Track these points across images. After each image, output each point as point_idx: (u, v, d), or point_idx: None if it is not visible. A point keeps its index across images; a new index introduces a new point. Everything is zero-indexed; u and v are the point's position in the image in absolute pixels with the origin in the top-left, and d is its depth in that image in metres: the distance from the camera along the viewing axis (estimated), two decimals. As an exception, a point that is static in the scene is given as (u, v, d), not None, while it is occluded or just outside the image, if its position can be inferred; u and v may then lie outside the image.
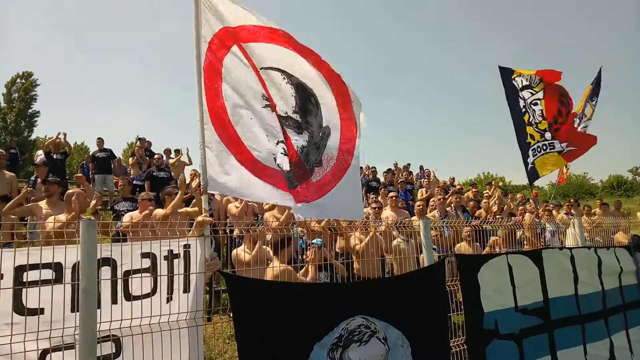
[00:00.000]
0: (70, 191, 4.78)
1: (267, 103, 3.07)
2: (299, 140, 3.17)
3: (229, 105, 2.94)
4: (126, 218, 5.22)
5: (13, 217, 5.28)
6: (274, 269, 3.68)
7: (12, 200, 5.48)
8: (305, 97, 3.23)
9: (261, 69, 3.06)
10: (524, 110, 6.74)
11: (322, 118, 3.31)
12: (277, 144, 3.08)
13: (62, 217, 4.44)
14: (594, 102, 8.62)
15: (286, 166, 3.09)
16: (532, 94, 6.77)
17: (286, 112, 3.15)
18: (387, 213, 6.87)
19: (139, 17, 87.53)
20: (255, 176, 2.94)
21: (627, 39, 69.01)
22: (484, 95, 79.15)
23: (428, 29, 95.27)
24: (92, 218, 4.49)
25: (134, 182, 10.12)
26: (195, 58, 2.85)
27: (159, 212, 5.25)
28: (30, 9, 64.48)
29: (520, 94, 6.76)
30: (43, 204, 5.22)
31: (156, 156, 10.16)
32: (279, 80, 3.14)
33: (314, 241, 4.60)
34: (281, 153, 3.09)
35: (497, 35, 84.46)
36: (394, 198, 7.06)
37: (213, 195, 7.47)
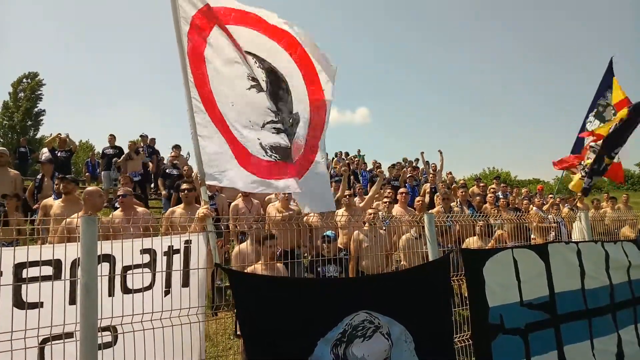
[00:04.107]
0: (88, 189, 4.77)
1: (254, 84, 2.98)
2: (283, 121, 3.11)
3: (215, 89, 2.87)
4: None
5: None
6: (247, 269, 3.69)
7: None
8: (277, 82, 3.16)
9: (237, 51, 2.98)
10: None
11: (292, 104, 3.23)
12: (264, 125, 2.99)
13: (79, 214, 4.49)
14: (608, 94, 8.78)
15: (285, 141, 3.02)
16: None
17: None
18: (397, 209, 6.83)
19: (140, 14, 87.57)
20: (241, 166, 2.88)
21: (631, 33, 68.25)
22: (489, 92, 78.81)
23: (432, 27, 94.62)
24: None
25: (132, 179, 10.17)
26: (177, 43, 2.79)
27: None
28: (31, 7, 64.69)
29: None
30: (58, 202, 5.24)
31: (172, 153, 10.17)
32: (251, 63, 3.06)
33: (326, 233, 4.58)
34: (272, 133, 3.00)
35: (500, 34, 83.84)
36: (404, 194, 7.01)
37: (218, 190, 7.50)
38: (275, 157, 3.00)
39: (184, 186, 5.43)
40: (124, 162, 10.42)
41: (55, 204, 5.23)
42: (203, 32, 2.87)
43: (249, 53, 3.06)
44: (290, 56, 3.23)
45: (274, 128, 3.02)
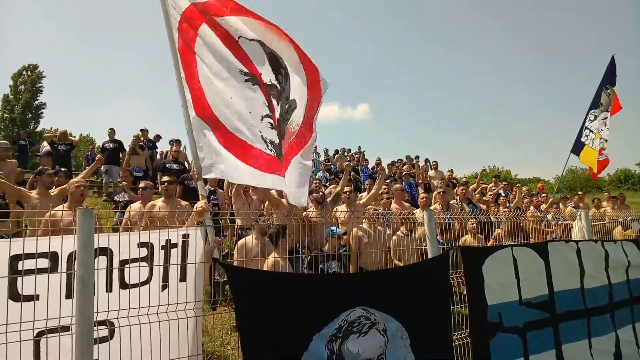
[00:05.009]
0: (72, 180, 4.73)
1: (247, 77, 2.99)
2: (277, 110, 3.13)
3: (205, 86, 2.86)
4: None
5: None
6: (267, 261, 3.67)
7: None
8: (277, 67, 3.19)
9: (240, 37, 2.99)
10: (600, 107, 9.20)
11: (290, 91, 3.26)
12: (262, 119, 3.01)
13: (64, 206, 4.41)
14: (608, 90, 8.90)
15: (276, 138, 3.02)
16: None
17: (270, 80, 3.11)
18: (392, 206, 6.78)
19: (141, 9, 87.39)
20: (238, 159, 2.86)
21: (631, 32, 68.14)
22: (489, 91, 78.72)
23: (432, 26, 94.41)
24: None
25: (134, 173, 10.12)
26: (168, 40, 2.78)
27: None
28: (31, 7, 64.45)
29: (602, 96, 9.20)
30: (34, 192, 5.20)
31: (174, 148, 10.14)
32: (256, 49, 3.09)
33: (333, 229, 4.57)
34: (269, 128, 3.02)
35: (501, 33, 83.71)
36: (400, 191, 6.96)
37: (220, 187, 7.48)
38: (273, 151, 3.00)
39: (164, 179, 5.34)
40: (128, 156, 10.39)
41: (31, 195, 5.19)
42: (193, 27, 2.86)
43: (252, 39, 3.06)
44: (291, 45, 3.25)
45: (269, 123, 3.03)
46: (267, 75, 3.10)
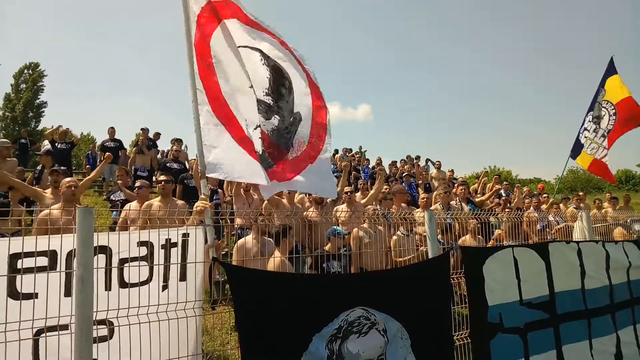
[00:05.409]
0: (63, 180, 4.73)
1: (251, 83, 2.97)
2: (267, 125, 3.07)
3: (222, 82, 2.84)
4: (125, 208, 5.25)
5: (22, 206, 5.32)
6: (270, 261, 3.66)
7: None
8: (280, 80, 3.15)
9: (239, 47, 2.97)
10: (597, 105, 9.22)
11: (294, 104, 3.23)
12: (256, 128, 2.99)
13: (58, 205, 4.40)
14: (612, 76, 8.97)
15: (260, 148, 3.00)
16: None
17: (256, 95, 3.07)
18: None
19: (142, 9, 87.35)
20: (249, 155, 2.83)
21: (632, 31, 67.94)
22: (491, 91, 78.69)
23: (434, 24, 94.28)
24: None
25: (138, 172, 10.13)
26: (185, 33, 2.77)
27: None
28: (32, 2, 64.43)
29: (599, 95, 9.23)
30: (48, 192, 5.21)
31: (174, 148, 10.13)
32: (255, 60, 3.05)
33: (337, 229, 4.56)
34: (258, 137, 2.99)
35: (503, 32, 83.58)
36: (401, 193, 6.93)
37: (221, 187, 7.48)
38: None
39: (161, 178, 5.32)
40: (135, 155, 10.38)
41: (45, 195, 5.21)
42: (212, 23, 2.85)
43: (256, 49, 3.05)
44: (295, 59, 3.23)
45: (260, 133, 3.01)
46: (257, 89, 3.04)
